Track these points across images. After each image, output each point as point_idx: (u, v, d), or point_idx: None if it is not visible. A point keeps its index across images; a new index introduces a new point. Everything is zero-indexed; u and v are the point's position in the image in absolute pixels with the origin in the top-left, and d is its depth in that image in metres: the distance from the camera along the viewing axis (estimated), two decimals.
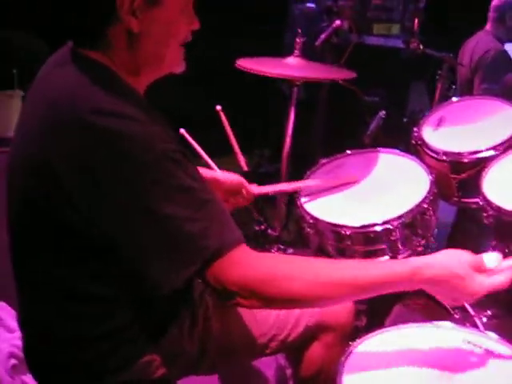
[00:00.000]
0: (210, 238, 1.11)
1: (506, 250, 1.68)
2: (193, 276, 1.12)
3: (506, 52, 3.74)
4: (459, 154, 1.92)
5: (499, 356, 1.26)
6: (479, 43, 3.72)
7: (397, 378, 1.22)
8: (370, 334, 1.35)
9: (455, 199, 2.00)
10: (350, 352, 1.28)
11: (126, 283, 1.21)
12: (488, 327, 1.68)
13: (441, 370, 1.22)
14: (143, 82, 1.24)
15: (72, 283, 1.21)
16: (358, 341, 1.32)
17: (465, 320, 1.68)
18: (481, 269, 1.21)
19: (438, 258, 1.21)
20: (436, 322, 1.39)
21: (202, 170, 1.76)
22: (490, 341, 1.31)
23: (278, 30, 4.03)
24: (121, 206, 1.10)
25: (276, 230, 2.30)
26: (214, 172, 1.80)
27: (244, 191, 1.72)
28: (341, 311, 1.54)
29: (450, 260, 1.20)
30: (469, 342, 1.32)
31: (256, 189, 1.78)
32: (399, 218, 1.77)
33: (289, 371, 2.24)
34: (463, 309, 1.71)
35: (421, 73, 3.58)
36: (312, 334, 1.51)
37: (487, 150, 1.87)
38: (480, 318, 1.69)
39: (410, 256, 1.79)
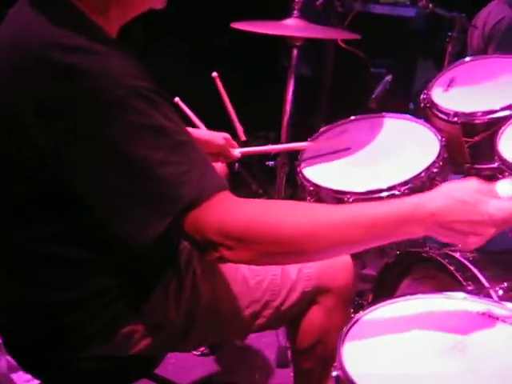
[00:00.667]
0: (187, 183, 0.98)
1: None
2: (170, 227, 0.99)
3: None
4: (472, 114, 1.77)
5: None
6: (492, 13, 3.56)
7: (405, 348, 1.09)
8: (376, 305, 1.22)
9: (467, 166, 1.85)
10: (354, 322, 1.16)
11: (100, 242, 1.10)
12: (504, 300, 1.54)
13: (454, 340, 1.10)
14: (115, 22, 1.12)
15: (43, 247, 1.11)
16: (362, 312, 1.19)
17: (479, 292, 1.54)
18: (493, 194, 1.04)
19: (440, 189, 1.05)
20: (447, 293, 1.26)
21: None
22: (507, 311, 1.19)
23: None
24: (88, 149, 0.99)
25: None
26: (198, 130, 1.72)
27: (227, 152, 1.68)
28: (339, 272, 1.40)
29: (454, 188, 1.04)
30: (483, 313, 1.19)
31: (238, 150, 1.73)
32: (406, 183, 1.63)
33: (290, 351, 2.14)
34: (477, 281, 1.58)
35: (429, 44, 3.43)
36: (310, 299, 1.38)
37: (502, 109, 1.72)
38: (496, 291, 1.55)
39: None
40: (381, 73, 3.22)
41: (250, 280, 1.33)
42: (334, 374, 1.05)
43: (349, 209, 1.06)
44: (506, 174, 1.48)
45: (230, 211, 1.00)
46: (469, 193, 1.02)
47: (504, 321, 1.16)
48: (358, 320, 1.16)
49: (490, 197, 1.03)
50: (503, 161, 1.50)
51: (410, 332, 1.13)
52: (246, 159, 2.14)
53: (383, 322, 1.17)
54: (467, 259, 1.65)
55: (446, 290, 1.29)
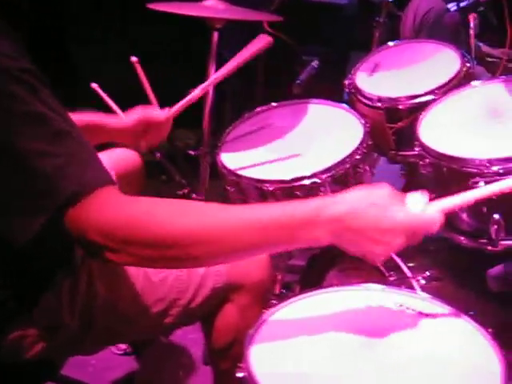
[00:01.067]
0: (66, 177, 0.88)
1: None
2: (50, 224, 0.89)
3: (449, 10, 3.59)
4: (395, 99, 1.72)
5: (431, 316, 1.10)
6: (422, 2, 3.57)
7: (316, 346, 1.02)
8: (289, 300, 1.15)
9: (392, 152, 1.81)
10: (262, 321, 1.08)
11: None
12: (426, 289, 1.51)
13: (366, 336, 1.04)
14: None
15: None
16: (272, 308, 1.12)
17: (401, 282, 1.50)
18: (404, 203, 0.98)
19: (348, 194, 0.96)
20: (365, 285, 1.20)
21: (104, 118, 1.55)
22: (423, 301, 1.15)
23: None
24: None
25: (201, 194, 2.08)
26: (114, 120, 1.58)
27: (154, 125, 1.57)
28: (254, 268, 1.32)
29: (363, 192, 0.96)
30: (401, 305, 1.15)
31: (166, 113, 1.62)
32: (328, 170, 1.57)
33: None
34: (400, 271, 1.53)
35: (362, 32, 3.39)
36: (222, 296, 1.30)
37: (426, 94, 1.68)
38: (417, 280, 1.51)
39: None
40: (313, 60, 3.17)
41: (153, 277, 1.23)
42: (240, 375, 0.98)
43: (242, 210, 0.96)
44: (427, 160, 1.43)
45: (112, 209, 0.90)
46: (380, 197, 0.94)
47: (420, 313, 1.12)
48: (267, 318, 1.09)
49: (402, 204, 0.97)
50: (423, 147, 1.45)
51: (322, 329, 1.06)
52: (167, 148, 2.05)
53: (296, 319, 1.10)
54: None
55: (368, 282, 1.25)
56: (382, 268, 1.53)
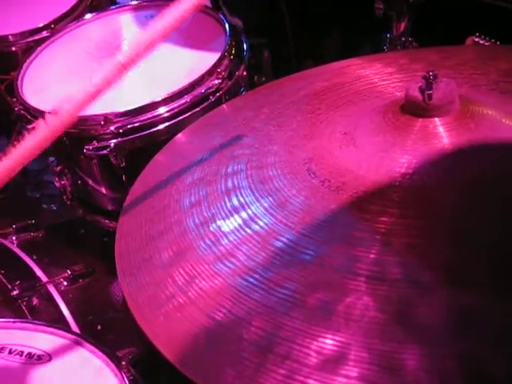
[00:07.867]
0: None
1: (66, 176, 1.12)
2: None
3: None
4: (2, 39, 1.27)
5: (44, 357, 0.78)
6: None
7: None
8: None
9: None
10: None
11: None
12: (73, 294, 1.13)
13: None
14: None
15: None
16: None
17: (33, 292, 1.09)
18: None
19: None
20: None
21: None
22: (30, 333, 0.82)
23: None
24: None
25: None
26: None
27: None
28: None
29: None
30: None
31: None
32: None
33: None
34: (31, 275, 1.12)
35: None
36: None
37: (40, 29, 1.25)
38: (58, 283, 1.11)
39: None
40: None
41: None
42: None
43: None
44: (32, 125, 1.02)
45: None
46: None
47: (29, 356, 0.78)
48: None
49: None
50: (24, 104, 1.03)
51: None
52: None
53: None
54: (21, 244, 1.19)
55: None
56: (3, 277, 1.09)
